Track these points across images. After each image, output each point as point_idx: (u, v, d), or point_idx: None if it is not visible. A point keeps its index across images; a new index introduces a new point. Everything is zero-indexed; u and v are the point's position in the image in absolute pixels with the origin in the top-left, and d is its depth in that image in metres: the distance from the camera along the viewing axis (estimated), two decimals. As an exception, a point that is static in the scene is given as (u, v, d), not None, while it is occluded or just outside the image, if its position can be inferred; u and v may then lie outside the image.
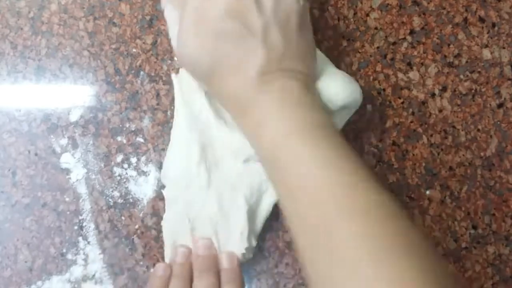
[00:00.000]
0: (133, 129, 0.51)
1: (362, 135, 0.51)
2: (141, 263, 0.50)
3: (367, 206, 0.35)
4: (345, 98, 0.44)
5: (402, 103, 0.51)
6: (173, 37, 0.45)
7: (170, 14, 0.45)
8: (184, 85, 0.48)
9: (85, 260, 0.50)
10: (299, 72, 0.42)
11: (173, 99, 0.51)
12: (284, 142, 0.39)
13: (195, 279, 0.46)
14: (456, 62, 0.52)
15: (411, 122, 0.51)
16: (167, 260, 0.48)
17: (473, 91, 0.52)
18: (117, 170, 0.50)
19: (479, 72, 0.52)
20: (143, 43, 0.52)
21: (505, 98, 0.52)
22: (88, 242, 0.50)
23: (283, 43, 0.41)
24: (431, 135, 0.51)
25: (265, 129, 0.40)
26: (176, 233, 0.47)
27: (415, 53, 0.52)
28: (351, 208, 0.35)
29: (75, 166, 0.50)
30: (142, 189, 0.50)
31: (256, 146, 0.42)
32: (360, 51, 0.52)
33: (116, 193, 0.50)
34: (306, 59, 0.43)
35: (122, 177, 0.50)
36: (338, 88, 0.44)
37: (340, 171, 0.37)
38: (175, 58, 0.51)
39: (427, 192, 0.51)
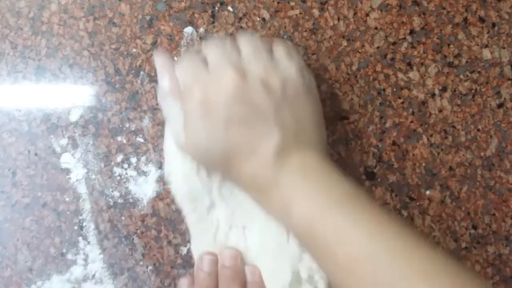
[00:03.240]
0: (133, 129, 0.51)
1: (362, 135, 0.51)
2: (141, 263, 0.50)
3: (429, 268, 0.35)
4: None
5: (402, 103, 0.51)
6: (176, 131, 0.43)
7: (170, 108, 0.43)
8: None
9: (85, 260, 0.50)
10: (314, 143, 0.42)
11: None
12: (320, 220, 0.38)
13: None
14: (456, 62, 0.52)
15: (411, 122, 0.51)
16: None
17: (473, 91, 0.52)
18: (117, 170, 0.50)
19: (479, 72, 0.52)
20: (143, 43, 0.52)
21: (505, 98, 0.52)
22: (88, 242, 0.50)
23: (294, 120, 0.41)
24: (431, 135, 0.51)
25: (295, 206, 0.39)
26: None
27: (415, 53, 0.52)
28: (413, 273, 0.35)
29: (75, 166, 0.50)
30: (142, 189, 0.50)
31: (287, 223, 0.41)
32: (360, 51, 0.52)
33: (116, 193, 0.50)
34: (318, 129, 0.43)
35: (122, 177, 0.50)
36: None
37: (390, 239, 0.37)
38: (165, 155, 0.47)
39: (427, 192, 0.51)
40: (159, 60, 0.45)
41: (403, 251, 0.36)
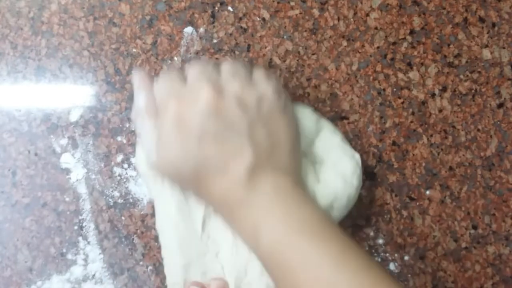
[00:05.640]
0: (133, 129, 0.51)
1: (362, 135, 0.51)
2: (141, 263, 0.50)
3: None
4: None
5: (402, 103, 0.51)
6: (148, 149, 0.43)
7: (144, 125, 0.43)
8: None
9: (85, 260, 0.50)
10: (288, 167, 0.42)
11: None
12: (287, 244, 0.38)
13: None
14: (456, 62, 0.52)
15: (411, 122, 0.51)
16: None
17: (473, 91, 0.52)
18: (117, 170, 0.50)
19: (479, 72, 0.52)
20: (143, 43, 0.52)
21: (505, 98, 0.52)
22: (88, 242, 0.50)
23: (269, 140, 0.41)
24: (431, 135, 0.51)
25: (263, 229, 0.39)
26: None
27: (415, 53, 0.52)
28: None
29: (75, 166, 0.50)
30: (142, 189, 0.50)
31: (253, 246, 0.41)
32: (360, 51, 0.52)
33: (116, 193, 0.50)
34: (293, 153, 0.43)
35: (122, 177, 0.50)
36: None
37: (353, 272, 0.37)
38: (140, 171, 0.47)
39: (427, 192, 0.51)
40: (137, 77, 0.44)
41: (364, 284, 0.36)
